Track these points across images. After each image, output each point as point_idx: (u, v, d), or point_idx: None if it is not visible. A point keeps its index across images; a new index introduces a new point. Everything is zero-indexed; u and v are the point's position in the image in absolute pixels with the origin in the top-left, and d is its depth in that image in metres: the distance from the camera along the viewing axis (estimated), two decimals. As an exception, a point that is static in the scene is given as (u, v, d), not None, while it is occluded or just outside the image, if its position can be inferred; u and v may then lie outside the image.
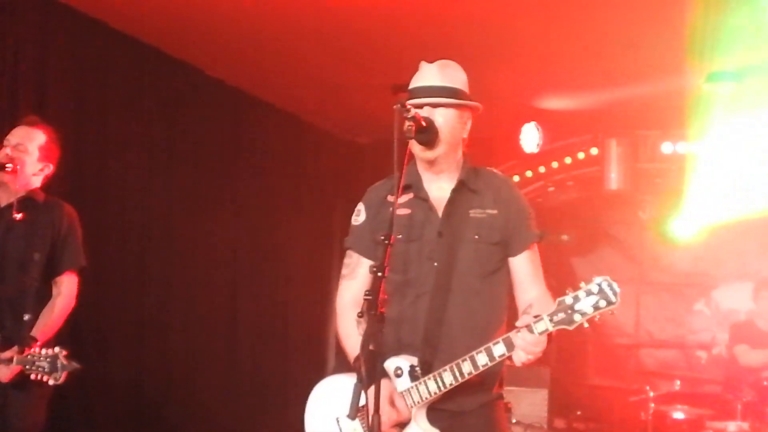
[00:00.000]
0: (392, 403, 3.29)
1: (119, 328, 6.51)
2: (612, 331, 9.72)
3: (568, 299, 3.08)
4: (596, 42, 6.62)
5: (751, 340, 7.62)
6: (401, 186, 3.24)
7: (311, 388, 3.65)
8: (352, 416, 2.94)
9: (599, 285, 3.06)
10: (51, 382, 4.31)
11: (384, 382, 3.14)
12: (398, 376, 3.32)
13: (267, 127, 8.32)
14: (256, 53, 7.04)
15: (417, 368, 3.31)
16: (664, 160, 9.01)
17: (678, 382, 7.86)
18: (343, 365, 3.53)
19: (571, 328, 3.08)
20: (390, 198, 3.39)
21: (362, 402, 2.94)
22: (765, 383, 6.98)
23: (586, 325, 3.08)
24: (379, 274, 3.03)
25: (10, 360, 4.36)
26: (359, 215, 3.61)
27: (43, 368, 4.28)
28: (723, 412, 7.31)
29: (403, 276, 3.41)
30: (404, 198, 3.45)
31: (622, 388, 8.82)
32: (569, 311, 3.07)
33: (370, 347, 2.98)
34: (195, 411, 7.25)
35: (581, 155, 9.15)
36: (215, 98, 7.63)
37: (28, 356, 4.33)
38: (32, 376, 4.31)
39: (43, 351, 4.33)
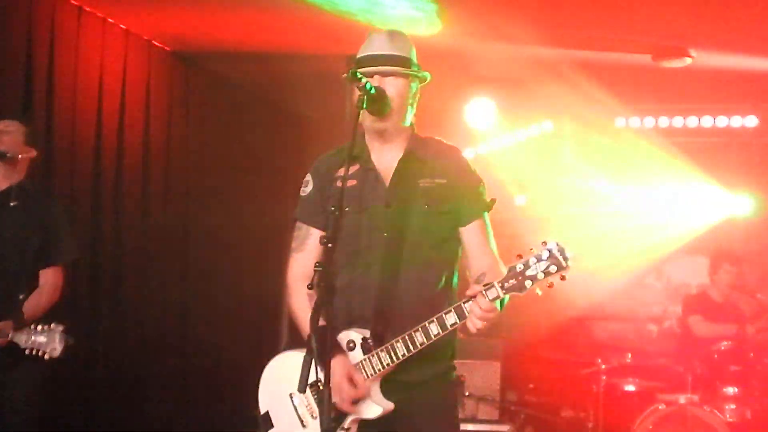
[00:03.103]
0: (351, 380, 3.24)
1: (73, 299, 6.41)
2: (564, 304, 9.76)
3: (519, 266, 3.06)
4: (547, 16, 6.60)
5: (704, 312, 7.69)
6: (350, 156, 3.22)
7: (265, 365, 3.61)
8: (301, 389, 2.89)
9: (550, 250, 3.03)
10: (46, 357, 4.35)
11: (341, 359, 3.17)
12: (351, 349, 3.29)
13: (215, 99, 8.23)
14: (202, 22, 6.93)
15: (369, 340, 3.28)
16: (617, 134, 9.02)
17: (629, 355, 7.92)
18: (296, 341, 3.48)
19: (522, 294, 3.06)
20: (340, 169, 3.35)
21: (313, 377, 2.89)
22: (715, 356, 7.05)
23: (538, 291, 3.05)
24: (330, 245, 3.00)
25: (6, 333, 4.40)
26: (307, 186, 3.56)
27: (41, 343, 4.34)
28: (674, 385, 7.38)
29: (353, 247, 3.38)
30: (352, 169, 3.40)
31: (574, 360, 8.86)
32: (520, 277, 3.05)
33: (320, 320, 2.96)
34: (148, 381, 7.17)
35: (535, 129, 9.14)
36: (165, 69, 7.53)
37: (25, 329, 4.39)
38: (27, 352, 4.36)
39: (39, 326, 4.39)
